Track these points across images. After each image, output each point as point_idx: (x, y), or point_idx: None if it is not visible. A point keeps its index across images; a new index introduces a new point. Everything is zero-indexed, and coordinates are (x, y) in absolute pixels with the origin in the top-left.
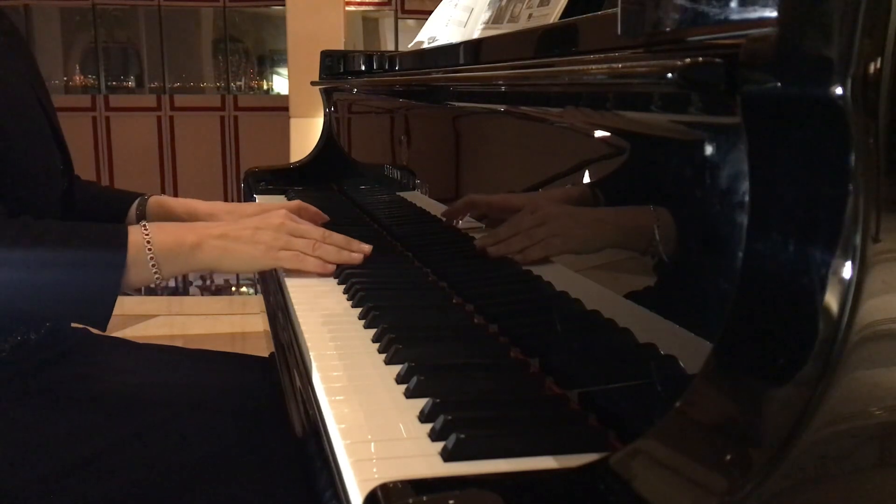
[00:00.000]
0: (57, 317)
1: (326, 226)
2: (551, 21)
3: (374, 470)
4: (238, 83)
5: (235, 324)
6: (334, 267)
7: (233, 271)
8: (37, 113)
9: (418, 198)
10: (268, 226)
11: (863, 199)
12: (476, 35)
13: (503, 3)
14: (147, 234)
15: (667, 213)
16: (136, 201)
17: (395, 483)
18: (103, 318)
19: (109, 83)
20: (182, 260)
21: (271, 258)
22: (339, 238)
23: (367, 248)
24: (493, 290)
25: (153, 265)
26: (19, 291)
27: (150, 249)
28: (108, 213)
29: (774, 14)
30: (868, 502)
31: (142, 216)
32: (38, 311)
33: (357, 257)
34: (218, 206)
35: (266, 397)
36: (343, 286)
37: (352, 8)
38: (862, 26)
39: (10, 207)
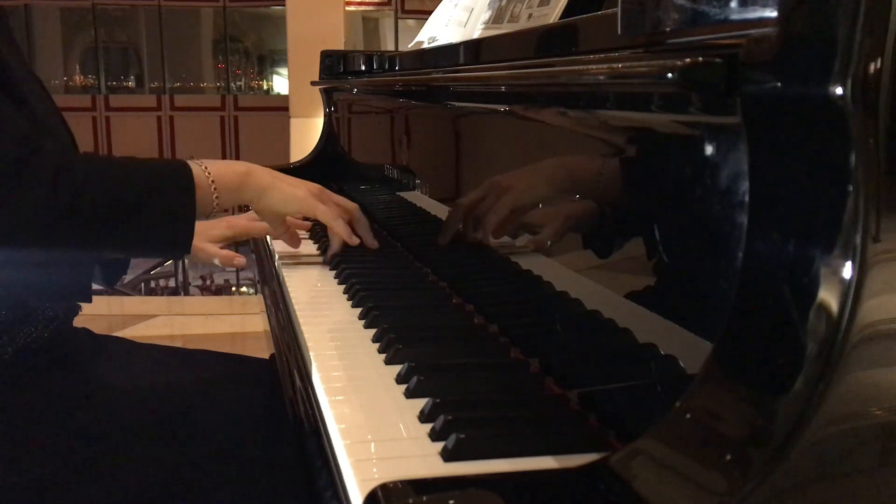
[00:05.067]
0: (138, 246)
1: None
2: (551, 21)
3: (374, 470)
4: (238, 83)
5: (235, 324)
6: (357, 240)
7: (274, 208)
8: (42, 93)
9: (418, 198)
10: (311, 184)
11: (863, 199)
12: (476, 35)
13: (503, 3)
14: (203, 164)
15: (667, 212)
16: None
17: (395, 483)
18: (186, 241)
19: (109, 83)
20: (234, 187)
21: (310, 204)
22: (365, 220)
23: (376, 244)
24: (493, 290)
25: (214, 190)
26: (100, 220)
27: (209, 175)
28: None
29: (774, 14)
30: (868, 502)
31: None
32: (119, 242)
33: (375, 244)
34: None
35: (266, 397)
36: (343, 286)
37: (352, 8)
38: (862, 26)
39: None
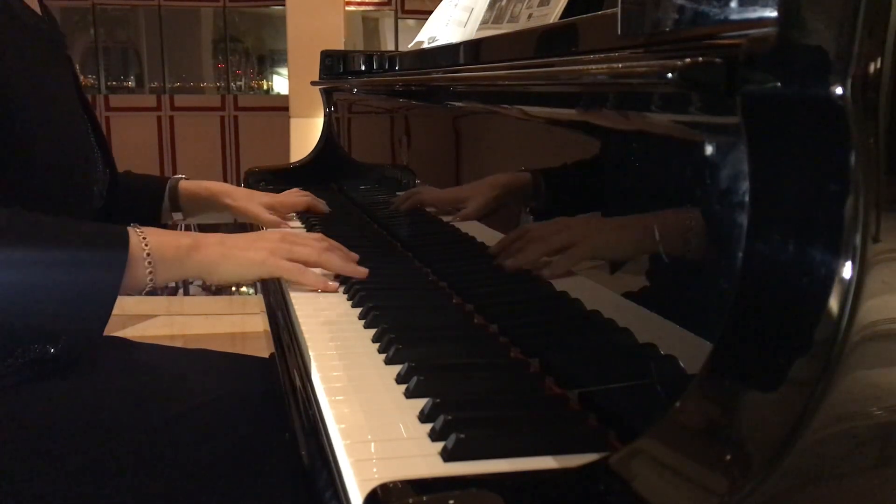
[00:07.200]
0: (47, 321)
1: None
2: (551, 21)
3: (374, 470)
4: (238, 83)
5: (235, 324)
6: (336, 285)
7: (229, 280)
8: (78, 117)
9: None
10: (269, 237)
11: (863, 199)
12: (476, 35)
13: (503, 3)
14: (142, 234)
15: (666, 213)
16: (167, 189)
17: (395, 483)
18: (100, 323)
19: (109, 83)
20: (178, 263)
21: (272, 265)
22: (341, 250)
23: (364, 271)
24: (492, 290)
25: (148, 265)
26: (8, 291)
27: (146, 247)
28: (146, 204)
29: (774, 14)
30: (868, 502)
31: (175, 201)
32: (27, 314)
33: (362, 272)
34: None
35: (266, 398)
36: (343, 286)
37: (352, 8)
38: (862, 26)
39: (40, 208)
